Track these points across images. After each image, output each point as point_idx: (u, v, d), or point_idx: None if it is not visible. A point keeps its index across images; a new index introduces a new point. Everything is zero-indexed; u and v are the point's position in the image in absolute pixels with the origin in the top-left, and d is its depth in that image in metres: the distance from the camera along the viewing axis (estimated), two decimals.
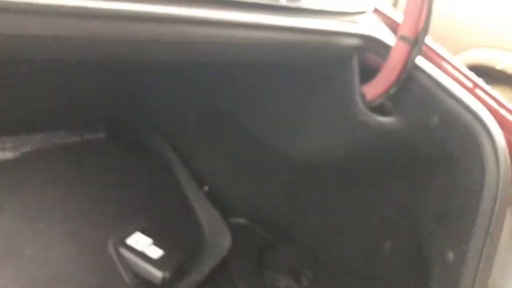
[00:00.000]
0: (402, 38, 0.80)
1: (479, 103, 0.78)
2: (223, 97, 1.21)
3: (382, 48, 0.85)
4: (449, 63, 0.93)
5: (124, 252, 0.95)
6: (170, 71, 1.10)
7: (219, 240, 1.13)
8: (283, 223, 1.21)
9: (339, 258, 1.13)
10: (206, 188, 1.27)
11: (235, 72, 1.08)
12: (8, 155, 1.22)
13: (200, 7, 0.62)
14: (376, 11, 1.00)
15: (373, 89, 0.87)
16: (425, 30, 0.79)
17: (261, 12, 0.72)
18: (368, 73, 0.89)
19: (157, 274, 0.94)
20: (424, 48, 0.83)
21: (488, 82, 0.93)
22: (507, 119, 0.87)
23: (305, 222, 1.17)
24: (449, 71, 0.91)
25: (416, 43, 0.79)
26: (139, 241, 0.99)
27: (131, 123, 1.38)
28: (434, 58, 0.89)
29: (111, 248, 0.94)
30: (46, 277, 0.83)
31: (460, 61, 1.00)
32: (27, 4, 0.47)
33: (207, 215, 1.18)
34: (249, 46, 0.73)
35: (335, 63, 0.87)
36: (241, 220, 1.25)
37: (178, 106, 1.29)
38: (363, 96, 0.87)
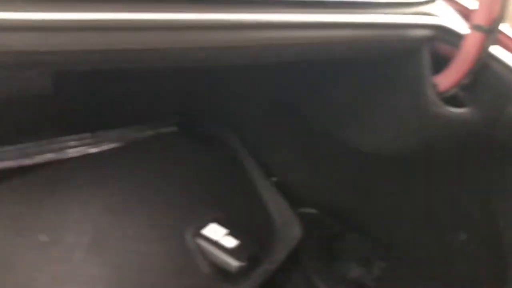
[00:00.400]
0: (476, 27, 0.78)
1: None
2: (287, 91, 1.22)
3: (454, 38, 0.83)
4: None
5: (200, 242, 1.01)
6: (236, 69, 1.14)
7: (290, 230, 1.16)
8: (352, 213, 1.22)
9: (411, 248, 1.13)
10: (274, 179, 1.30)
11: (298, 68, 1.09)
12: (90, 150, 1.32)
13: (272, 11, 0.64)
14: None
15: (446, 80, 0.85)
16: (501, 17, 0.76)
17: (326, 9, 0.73)
18: (440, 62, 0.87)
19: (233, 263, 0.98)
20: (499, 35, 0.80)
21: None
22: None
23: (375, 212, 1.17)
24: None
25: (491, 31, 0.77)
26: (214, 231, 1.04)
27: (201, 118, 1.44)
28: (510, 45, 0.85)
29: (188, 239, 1.00)
30: (130, 266, 0.90)
31: None
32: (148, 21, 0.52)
33: (277, 206, 1.21)
34: (316, 45, 0.74)
35: (405, 55, 0.86)
36: (310, 210, 1.27)
37: (245, 101, 1.32)
38: (435, 87, 0.86)
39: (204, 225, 1.04)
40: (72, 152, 1.29)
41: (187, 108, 1.45)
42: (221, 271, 1.00)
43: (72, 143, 1.30)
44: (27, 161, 1.23)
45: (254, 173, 1.27)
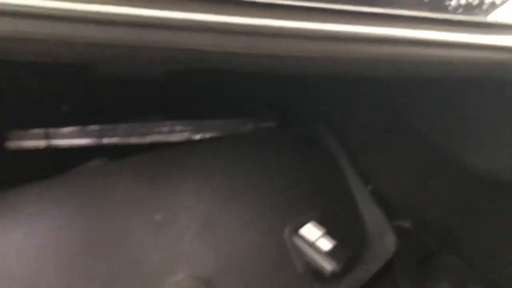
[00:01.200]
0: None
1: None
2: (399, 98, 1.20)
3: None
4: None
5: (297, 241, 1.03)
6: None
7: (384, 241, 1.15)
8: (450, 233, 1.19)
9: (508, 277, 1.08)
10: (369, 187, 1.29)
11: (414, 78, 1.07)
12: (194, 137, 1.39)
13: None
14: None
15: None
16: None
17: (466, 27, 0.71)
18: None
19: (327, 266, 0.99)
20: None
21: None
22: None
23: (476, 236, 1.13)
24: None
25: None
26: (311, 232, 1.06)
27: (301, 117, 1.45)
28: None
29: (286, 236, 1.02)
30: (234, 253, 0.94)
31: None
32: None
33: (372, 215, 1.20)
34: (443, 64, 0.72)
35: None
36: (405, 224, 1.25)
37: (349, 104, 1.32)
38: None
39: (301, 224, 1.06)
40: (178, 137, 1.36)
41: (288, 106, 1.48)
42: (314, 272, 1.01)
43: (178, 127, 1.37)
44: (136, 140, 1.32)
45: (351, 179, 1.27)
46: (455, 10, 0.73)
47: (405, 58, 0.67)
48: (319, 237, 1.04)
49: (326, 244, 1.03)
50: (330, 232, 1.06)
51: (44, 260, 0.77)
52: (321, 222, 1.09)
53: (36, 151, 1.21)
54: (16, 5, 0.45)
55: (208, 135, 1.40)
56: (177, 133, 1.36)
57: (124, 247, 0.84)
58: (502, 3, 0.76)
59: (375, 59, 0.63)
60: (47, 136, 1.21)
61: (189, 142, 1.35)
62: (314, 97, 1.41)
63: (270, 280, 0.96)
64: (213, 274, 0.89)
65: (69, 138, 1.22)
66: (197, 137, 1.38)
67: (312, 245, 1.03)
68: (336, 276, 1.01)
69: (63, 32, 0.48)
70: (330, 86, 1.31)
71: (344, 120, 1.36)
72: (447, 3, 0.72)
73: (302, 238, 1.03)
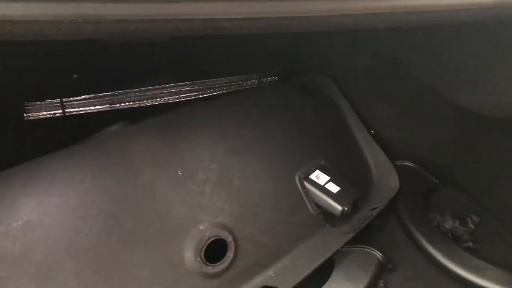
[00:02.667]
0: None
1: None
2: (394, 45, 1.24)
3: None
4: None
5: (308, 186, 1.11)
6: None
7: (388, 181, 1.23)
8: (449, 169, 1.26)
9: (506, 205, 1.16)
10: (372, 132, 1.36)
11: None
12: (202, 95, 1.44)
13: None
14: None
15: None
16: None
17: None
18: None
19: (337, 207, 1.07)
20: None
21: None
22: None
23: (473, 170, 1.20)
24: None
25: None
26: (320, 177, 1.13)
27: (301, 69, 1.49)
28: None
29: (297, 181, 1.10)
30: (250, 202, 1.01)
31: None
32: None
33: (375, 157, 1.28)
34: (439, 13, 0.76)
35: None
36: (407, 163, 1.33)
37: (349, 54, 1.36)
38: None
39: (310, 170, 1.13)
40: (187, 96, 1.42)
41: (289, 59, 1.51)
42: (325, 213, 1.10)
43: (185, 88, 1.43)
44: (146, 103, 1.37)
45: (354, 124, 1.33)
46: None
47: (404, 9, 0.71)
48: (328, 181, 1.12)
49: (334, 187, 1.11)
50: (337, 175, 1.14)
51: (78, 219, 0.85)
52: (329, 167, 1.16)
53: (53, 120, 1.27)
54: None
55: (214, 92, 1.46)
56: (185, 93, 1.42)
57: (152, 201, 0.92)
58: None
59: (375, 13, 0.67)
60: (62, 105, 1.26)
61: (197, 100, 1.41)
62: (313, 49, 1.45)
63: (285, 223, 1.04)
64: (232, 222, 0.97)
65: (83, 106, 1.28)
66: (204, 95, 1.44)
67: (322, 188, 1.11)
68: (345, 216, 1.09)
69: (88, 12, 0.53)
70: (328, 38, 1.35)
71: (343, 70, 1.40)
72: None
73: (313, 182, 1.11)
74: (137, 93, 1.35)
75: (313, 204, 1.09)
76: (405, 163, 1.33)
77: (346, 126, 1.32)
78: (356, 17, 0.65)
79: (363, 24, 0.67)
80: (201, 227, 0.93)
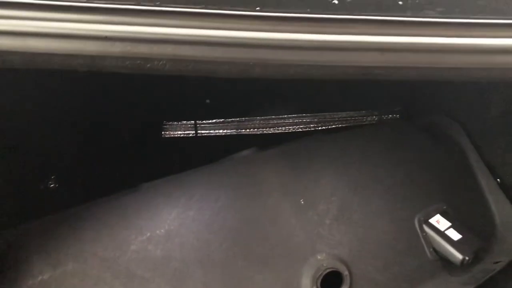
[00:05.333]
0: None
1: None
2: None
3: None
4: None
5: (427, 229, 1.09)
6: None
7: None
8: None
9: None
10: (498, 180, 1.29)
11: None
12: (320, 127, 1.49)
13: None
14: None
15: None
16: None
17: None
18: None
19: (458, 255, 1.04)
20: None
21: None
22: None
23: None
24: None
25: None
26: (440, 222, 1.11)
27: (424, 108, 1.48)
28: None
29: (416, 224, 1.08)
30: (367, 239, 1.02)
31: None
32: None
33: (500, 207, 1.21)
34: None
35: None
36: None
37: (478, 98, 1.32)
38: None
39: (431, 214, 1.11)
40: (307, 127, 1.48)
41: (411, 97, 1.51)
42: (444, 260, 1.07)
43: (305, 119, 1.49)
44: (269, 131, 1.46)
45: (480, 171, 1.28)
46: None
47: None
48: (449, 227, 1.09)
49: (455, 234, 1.08)
50: (459, 222, 1.10)
51: (212, 233, 0.93)
52: (450, 212, 1.13)
53: (186, 139, 1.40)
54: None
55: (333, 125, 1.50)
56: (305, 124, 1.48)
57: (276, 226, 0.97)
58: None
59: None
60: (195, 127, 1.39)
61: (316, 132, 1.46)
62: (436, 88, 1.43)
63: (401, 264, 1.03)
64: (349, 255, 0.99)
65: (213, 129, 1.40)
66: (323, 127, 1.48)
67: (442, 234, 1.08)
68: (465, 266, 1.05)
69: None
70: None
71: (471, 114, 1.36)
72: None
73: (432, 227, 1.09)
74: (261, 121, 1.44)
75: (431, 249, 1.07)
76: None
77: (471, 171, 1.28)
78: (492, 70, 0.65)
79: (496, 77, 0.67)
80: (319, 257, 0.96)
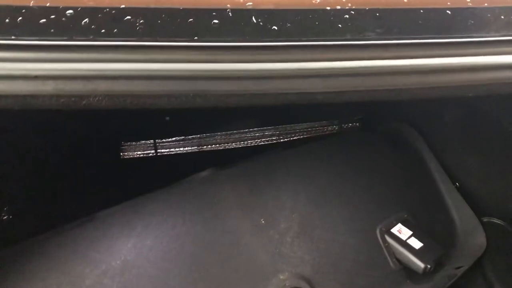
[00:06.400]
0: None
1: None
2: (484, 97, 1.21)
3: None
4: None
5: (389, 240, 1.09)
6: None
7: (474, 238, 1.18)
8: None
9: None
10: (457, 184, 1.31)
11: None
12: (281, 140, 1.48)
13: None
14: None
15: None
16: None
17: None
18: None
19: (420, 264, 1.05)
20: None
21: None
22: None
23: None
24: None
25: None
26: (402, 231, 1.11)
27: (383, 116, 1.49)
28: None
29: (378, 235, 1.09)
30: (329, 254, 1.02)
31: None
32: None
33: (460, 212, 1.23)
34: None
35: None
36: (495, 220, 1.26)
37: (434, 104, 1.34)
38: None
39: (392, 224, 1.12)
40: (269, 140, 1.47)
41: (369, 106, 1.52)
42: (407, 269, 1.07)
43: (267, 132, 1.48)
44: (231, 146, 1.44)
45: (439, 177, 1.30)
46: None
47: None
48: (410, 236, 1.10)
49: (417, 243, 1.09)
50: (420, 230, 1.12)
51: (169, 261, 0.90)
52: (411, 220, 1.14)
53: (146, 159, 1.37)
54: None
55: (295, 137, 1.50)
56: (267, 137, 1.47)
57: (236, 249, 0.95)
58: None
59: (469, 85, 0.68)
60: (155, 146, 1.36)
61: (278, 145, 1.46)
62: (399, 101, 1.44)
63: (365, 277, 1.03)
64: (312, 273, 0.98)
65: (173, 148, 1.37)
66: (285, 139, 1.48)
67: (404, 243, 1.09)
68: (428, 273, 1.06)
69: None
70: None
71: (428, 119, 1.38)
72: None
73: (394, 237, 1.10)
74: (223, 136, 1.42)
75: (394, 259, 1.07)
76: (492, 220, 1.26)
77: (430, 178, 1.29)
78: (449, 89, 0.66)
79: (455, 94, 0.67)
80: (281, 277, 0.95)
